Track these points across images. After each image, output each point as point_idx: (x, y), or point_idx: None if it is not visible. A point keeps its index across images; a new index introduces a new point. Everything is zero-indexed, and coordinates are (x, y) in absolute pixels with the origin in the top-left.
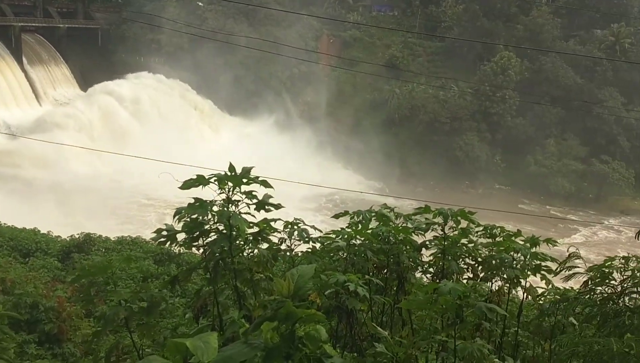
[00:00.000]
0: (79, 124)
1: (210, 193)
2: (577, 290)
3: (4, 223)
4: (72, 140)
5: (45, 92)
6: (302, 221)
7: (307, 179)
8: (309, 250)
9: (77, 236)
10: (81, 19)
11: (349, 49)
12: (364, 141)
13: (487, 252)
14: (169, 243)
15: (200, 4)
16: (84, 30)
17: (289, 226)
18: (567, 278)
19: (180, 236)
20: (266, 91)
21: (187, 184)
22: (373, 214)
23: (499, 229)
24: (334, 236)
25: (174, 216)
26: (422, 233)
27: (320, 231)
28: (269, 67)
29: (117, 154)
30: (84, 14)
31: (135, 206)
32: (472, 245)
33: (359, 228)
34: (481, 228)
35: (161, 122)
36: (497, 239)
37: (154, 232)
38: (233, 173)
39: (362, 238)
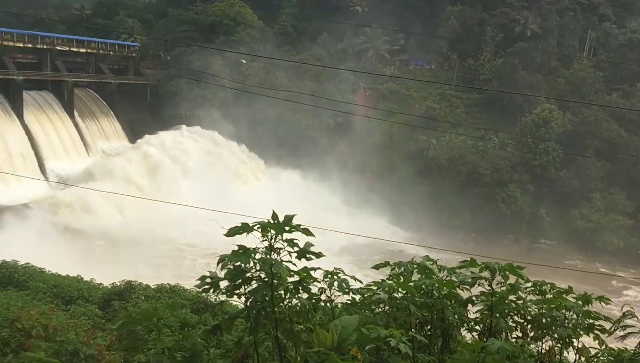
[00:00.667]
0: (126, 174)
1: (253, 241)
2: (632, 351)
3: (49, 270)
4: (118, 189)
5: (95, 144)
6: (342, 271)
7: (343, 229)
8: (349, 302)
9: (118, 284)
10: (131, 75)
11: (385, 101)
12: (400, 191)
13: (536, 310)
14: (212, 290)
15: (243, 61)
16: (134, 86)
17: (329, 276)
18: (622, 338)
19: (223, 284)
20: (303, 141)
21: (231, 232)
22: (415, 266)
23: (548, 285)
24: (374, 287)
25: (218, 263)
26: (468, 287)
27: (361, 282)
28: (306, 119)
29: (161, 203)
30: (135, 70)
31: (175, 254)
32: (521, 301)
33: (401, 280)
34: (530, 284)
35: (203, 172)
36: (547, 296)
37: (198, 279)
38: (276, 221)
39: (404, 291)
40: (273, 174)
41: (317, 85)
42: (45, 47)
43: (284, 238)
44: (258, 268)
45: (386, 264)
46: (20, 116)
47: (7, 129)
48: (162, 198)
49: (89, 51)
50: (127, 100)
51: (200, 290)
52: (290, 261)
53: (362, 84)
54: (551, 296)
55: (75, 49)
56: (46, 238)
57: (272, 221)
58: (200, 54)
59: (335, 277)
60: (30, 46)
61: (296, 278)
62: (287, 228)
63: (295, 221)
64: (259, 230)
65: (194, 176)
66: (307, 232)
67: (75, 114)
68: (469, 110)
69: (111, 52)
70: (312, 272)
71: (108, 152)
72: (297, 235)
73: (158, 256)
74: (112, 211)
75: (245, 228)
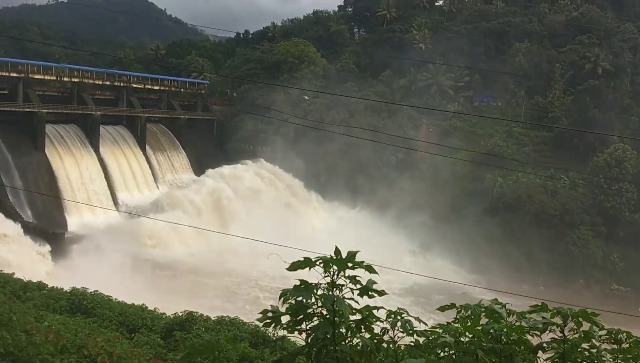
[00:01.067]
0: (191, 206)
1: (315, 276)
2: None
3: (115, 298)
4: (184, 221)
5: (164, 176)
6: (406, 311)
7: (403, 268)
8: (413, 344)
9: (180, 314)
10: (200, 111)
11: (449, 138)
12: (463, 231)
13: (611, 360)
14: (273, 325)
15: (306, 97)
16: (202, 121)
17: (392, 315)
18: None
19: (284, 319)
20: (364, 178)
21: (293, 266)
22: (483, 309)
23: (624, 334)
24: (440, 330)
25: (279, 298)
26: (538, 334)
27: (425, 324)
28: (368, 155)
29: (224, 235)
30: (203, 106)
31: (235, 286)
32: (595, 350)
33: (468, 323)
34: (604, 332)
35: (264, 206)
36: (623, 345)
37: (260, 313)
38: (339, 257)
39: (471, 335)
40: (332, 210)
41: (378, 121)
42: (122, 84)
43: (346, 275)
44: (320, 304)
45: (452, 306)
46: (96, 149)
47: (84, 162)
48: (225, 230)
49: (161, 88)
50: (194, 134)
51: (261, 324)
52: (353, 299)
53: (425, 120)
54: (627, 345)
55: (149, 87)
56: (114, 266)
57: (334, 257)
58: (264, 91)
59: (399, 317)
60: (108, 83)
61: (358, 316)
62: (349, 265)
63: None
64: (321, 265)
65: (254, 209)
66: (370, 269)
67: (147, 147)
68: (537, 148)
69: (182, 90)
70: (374, 311)
71: (175, 184)
72: (359, 272)
73: (219, 287)
74: (177, 241)
75: (307, 263)
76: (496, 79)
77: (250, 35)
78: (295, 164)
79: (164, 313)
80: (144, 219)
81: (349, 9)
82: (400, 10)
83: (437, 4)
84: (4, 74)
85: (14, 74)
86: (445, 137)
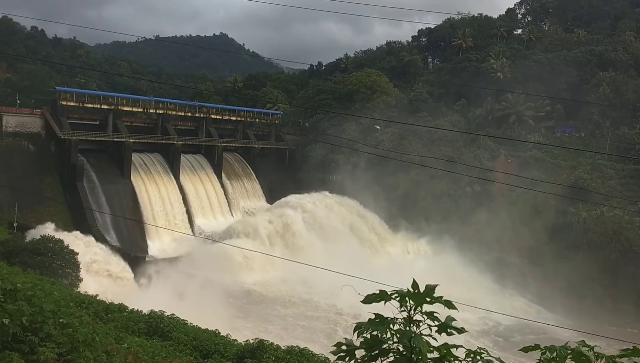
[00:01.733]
0: (263, 234)
1: (390, 310)
2: None
3: (190, 323)
4: (255, 248)
5: (238, 203)
6: (487, 351)
7: (479, 305)
8: None
9: (251, 342)
10: (273, 140)
11: (528, 169)
12: (543, 268)
13: None
14: (347, 358)
15: (377, 127)
16: (275, 150)
17: (472, 355)
18: None
19: (358, 353)
20: (437, 209)
21: (369, 299)
22: (569, 351)
23: None
24: None
25: (354, 331)
26: None
27: None
28: (442, 186)
29: (295, 263)
30: (276, 136)
31: (306, 316)
32: None
33: None
34: None
35: (335, 235)
36: None
37: (334, 345)
38: (416, 291)
39: None
40: (404, 242)
41: (453, 151)
42: (202, 115)
43: (424, 310)
44: (396, 339)
45: (536, 347)
46: (177, 177)
47: (165, 188)
48: (294, 259)
49: (238, 118)
50: (267, 163)
51: (335, 357)
52: (430, 335)
53: (504, 151)
54: None
55: (226, 117)
56: (190, 290)
57: (412, 291)
58: (336, 121)
59: (479, 357)
60: (189, 114)
61: (436, 354)
62: (428, 299)
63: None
64: (398, 299)
65: (325, 238)
66: (449, 305)
67: (223, 175)
68: (624, 181)
69: (257, 120)
70: (453, 350)
71: (248, 211)
72: (437, 307)
73: (289, 316)
74: (249, 268)
75: (383, 296)
76: (579, 109)
77: (323, 67)
78: (366, 194)
79: (236, 340)
80: (219, 244)
81: (423, 40)
82: (476, 39)
83: (515, 32)
84: (96, 106)
85: (105, 106)
86: (525, 169)
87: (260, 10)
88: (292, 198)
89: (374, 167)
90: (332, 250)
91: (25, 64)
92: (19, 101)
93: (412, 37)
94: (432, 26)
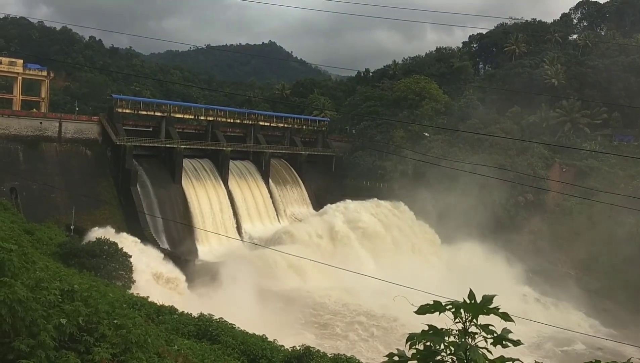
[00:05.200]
0: (309, 241)
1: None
2: None
3: (238, 327)
4: (302, 254)
5: (285, 209)
6: None
7: (532, 317)
8: None
9: (298, 348)
10: (320, 147)
11: (584, 179)
12: (600, 281)
13: None
14: None
15: (426, 134)
16: (321, 157)
17: None
18: None
19: None
20: (489, 218)
21: (422, 310)
22: None
23: None
24: None
25: (406, 342)
26: None
27: None
28: (493, 194)
29: (341, 270)
30: (323, 142)
31: (354, 325)
32: None
33: None
34: None
35: (382, 243)
36: None
37: (386, 356)
38: (472, 301)
39: None
40: (453, 251)
41: (505, 159)
42: (250, 122)
43: (479, 322)
44: (450, 351)
45: None
46: (225, 182)
47: (214, 194)
48: (341, 266)
49: (285, 125)
50: (314, 170)
51: None
52: (486, 348)
53: (558, 159)
54: None
55: (274, 124)
56: (237, 294)
57: (467, 302)
58: (383, 128)
59: None
60: (238, 121)
61: None
62: (484, 311)
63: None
64: (452, 310)
65: (371, 246)
66: (505, 317)
67: (270, 181)
68: None
69: (304, 127)
70: None
71: (295, 217)
72: (491, 319)
73: (336, 324)
74: (295, 275)
75: (437, 307)
76: (638, 117)
77: (371, 74)
78: (414, 202)
79: (282, 346)
80: (266, 250)
81: (474, 45)
82: (529, 45)
83: (570, 38)
84: (150, 113)
85: (159, 113)
86: (580, 178)
87: (314, 19)
88: (338, 205)
89: (422, 175)
90: (382, 258)
91: (84, 73)
92: (77, 108)
93: (463, 43)
94: (484, 32)
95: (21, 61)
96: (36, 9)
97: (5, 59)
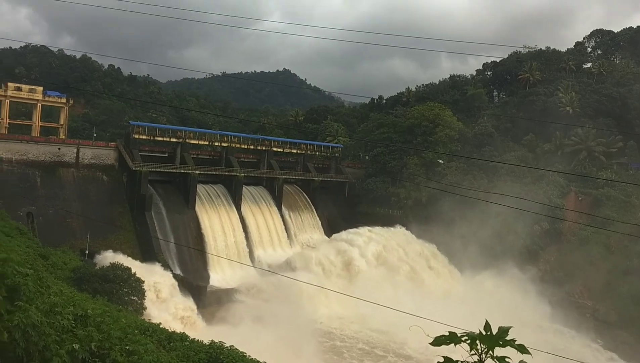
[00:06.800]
0: (321, 267)
1: (460, 352)
2: None
3: (248, 355)
4: (314, 281)
5: (297, 235)
6: None
7: (548, 349)
8: None
9: None
10: (333, 173)
11: (601, 208)
12: (618, 312)
13: None
14: None
15: (440, 161)
16: (334, 183)
17: None
18: None
19: None
20: (503, 246)
21: (438, 341)
22: None
23: None
24: None
25: None
26: None
27: None
28: (508, 222)
29: (354, 298)
30: (336, 169)
31: (366, 354)
32: None
33: None
34: None
35: (395, 271)
36: None
37: None
38: (488, 333)
39: None
40: (467, 279)
41: (520, 187)
42: (263, 148)
43: (495, 354)
44: None
45: None
46: (238, 208)
47: (227, 219)
48: (353, 294)
49: (298, 151)
50: (327, 196)
51: None
52: None
53: (574, 188)
54: None
55: (287, 150)
56: (248, 321)
57: (483, 333)
58: (397, 154)
59: None
60: (252, 147)
61: None
62: (500, 343)
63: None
64: (468, 342)
65: (385, 274)
66: (522, 349)
67: (283, 207)
68: None
69: (317, 153)
70: None
71: (307, 244)
72: (508, 352)
73: (348, 352)
74: (307, 302)
75: (452, 339)
76: None
77: (384, 101)
78: (428, 230)
79: None
80: (278, 276)
81: (488, 73)
82: (544, 73)
83: (584, 66)
84: (166, 139)
85: (174, 139)
86: (596, 207)
87: (329, 48)
88: (351, 232)
89: (436, 202)
90: (396, 287)
91: (102, 100)
92: (95, 135)
93: (477, 70)
94: (498, 60)
95: (41, 88)
96: (60, 38)
97: (25, 87)
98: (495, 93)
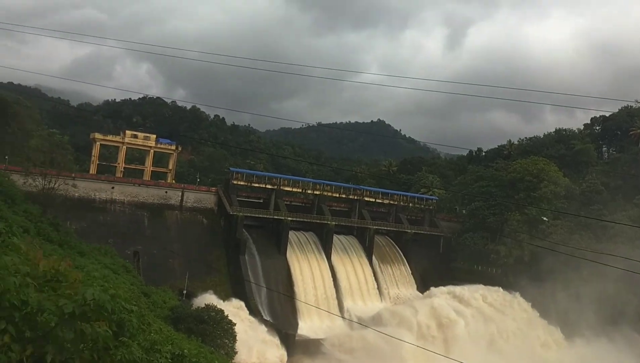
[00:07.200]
0: (414, 325)
1: None
2: None
3: None
4: (405, 338)
5: (388, 289)
6: None
7: None
8: None
9: None
10: (427, 226)
11: None
12: None
13: None
14: None
15: (544, 218)
16: (428, 236)
17: None
18: None
19: None
20: (616, 313)
21: None
22: None
23: None
24: None
25: None
26: None
27: None
28: (618, 286)
29: (447, 359)
30: (430, 222)
31: None
32: None
33: None
34: None
35: (494, 334)
36: None
37: None
38: None
39: None
40: (573, 346)
41: (632, 250)
42: (355, 197)
43: None
44: None
45: None
46: (328, 257)
47: (317, 267)
48: (447, 353)
49: (391, 202)
50: (419, 249)
51: None
52: None
53: None
54: None
55: (379, 200)
56: None
57: None
58: (497, 209)
59: None
60: (344, 196)
61: None
62: None
63: None
64: None
65: (483, 336)
66: None
67: (373, 258)
68: None
69: (410, 204)
70: None
71: (398, 298)
72: None
73: None
74: (399, 360)
75: None
76: None
77: (484, 153)
78: (529, 291)
79: None
80: (368, 330)
81: (597, 128)
82: None
83: None
84: (262, 185)
85: (269, 186)
86: None
87: (426, 99)
88: (446, 289)
89: (540, 261)
90: (493, 351)
91: (207, 147)
92: (198, 179)
93: (584, 124)
94: (607, 114)
95: (154, 136)
96: (174, 90)
97: (141, 134)
98: (604, 149)
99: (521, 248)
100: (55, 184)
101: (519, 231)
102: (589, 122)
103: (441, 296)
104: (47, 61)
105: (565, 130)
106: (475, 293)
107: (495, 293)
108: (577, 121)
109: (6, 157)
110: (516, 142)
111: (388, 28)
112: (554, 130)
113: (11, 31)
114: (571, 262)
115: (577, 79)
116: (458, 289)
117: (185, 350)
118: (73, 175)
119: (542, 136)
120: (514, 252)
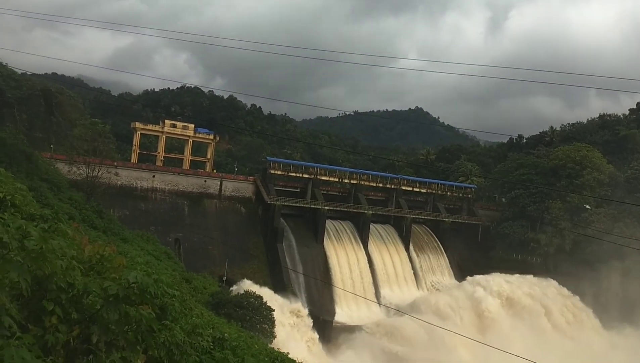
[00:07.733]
0: (452, 312)
1: None
2: None
3: None
4: (443, 325)
5: (424, 277)
6: None
7: None
8: None
9: None
10: (465, 215)
11: None
12: None
13: None
14: None
15: (587, 206)
16: (466, 225)
17: None
18: None
19: None
20: None
21: None
22: None
23: None
24: None
25: None
26: None
27: None
28: None
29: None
30: (468, 210)
31: None
32: None
33: None
34: None
35: (533, 323)
36: None
37: None
38: None
39: None
40: (616, 337)
41: None
42: (392, 186)
43: None
44: None
45: None
46: (365, 245)
47: (354, 256)
48: (485, 341)
49: (428, 191)
50: (457, 238)
51: None
52: None
53: None
54: None
55: (417, 189)
56: (371, 360)
57: None
58: (538, 197)
59: None
60: (381, 185)
61: None
62: None
63: None
64: None
65: (521, 326)
66: None
67: (410, 247)
68: None
69: (448, 193)
70: None
71: (435, 287)
72: None
73: None
74: (434, 347)
75: None
76: None
77: (525, 140)
78: (570, 280)
79: None
80: (405, 317)
81: None
82: None
83: None
84: (298, 175)
85: (306, 175)
86: None
87: (466, 85)
88: (484, 278)
89: (581, 251)
90: (532, 339)
91: (244, 137)
92: (236, 169)
93: (630, 110)
94: None
95: (192, 126)
96: (212, 80)
97: (179, 124)
98: None
99: (562, 237)
100: (98, 172)
101: (560, 219)
102: (634, 107)
103: (479, 284)
104: (89, 52)
105: (609, 115)
106: (513, 281)
107: (535, 282)
108: (622, 106)
109: (52, 146)
110: (558, 128)
111: (427, 11)
112: (597, 116)
113: (55, 22)
114: (615, 251)
115: (623, 63)
116: (496, 277)
117: (225, 334)
118: (115, 164)
119: (585, 122)
120: (555, 241)
